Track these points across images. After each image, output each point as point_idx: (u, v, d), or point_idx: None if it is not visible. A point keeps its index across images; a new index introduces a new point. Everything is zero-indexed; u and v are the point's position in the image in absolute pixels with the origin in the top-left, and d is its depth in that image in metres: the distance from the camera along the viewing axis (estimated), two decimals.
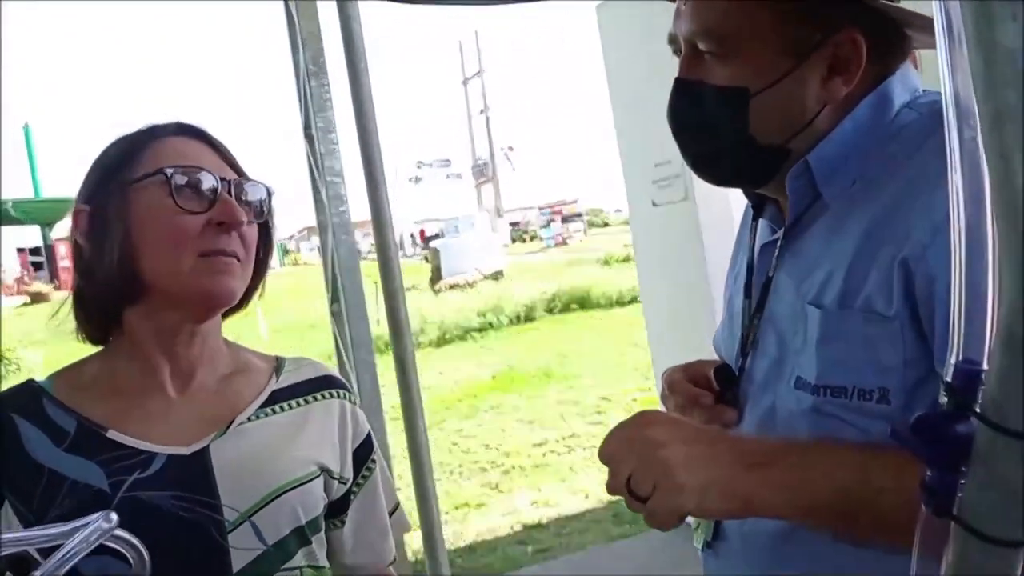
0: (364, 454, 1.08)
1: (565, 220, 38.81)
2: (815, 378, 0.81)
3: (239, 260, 0.93)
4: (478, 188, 44.97)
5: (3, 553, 0.64)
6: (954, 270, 0.51)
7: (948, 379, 0.52)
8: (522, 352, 10.34)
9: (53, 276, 28.40)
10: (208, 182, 0.92)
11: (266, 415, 0.99)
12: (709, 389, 0.95)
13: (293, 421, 1.01)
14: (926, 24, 0.83)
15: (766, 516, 0.77)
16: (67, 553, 0.66)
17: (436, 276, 17.76)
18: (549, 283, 13.82)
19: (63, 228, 27.27)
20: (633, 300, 12.22)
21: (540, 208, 46.29)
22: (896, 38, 0.87)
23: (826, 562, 0.82)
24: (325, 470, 1.00)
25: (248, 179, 0.97)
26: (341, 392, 1.08)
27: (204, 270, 0.91)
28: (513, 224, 43.67)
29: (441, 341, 11.54)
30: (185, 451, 0.92)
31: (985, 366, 0.50)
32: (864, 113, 0.86)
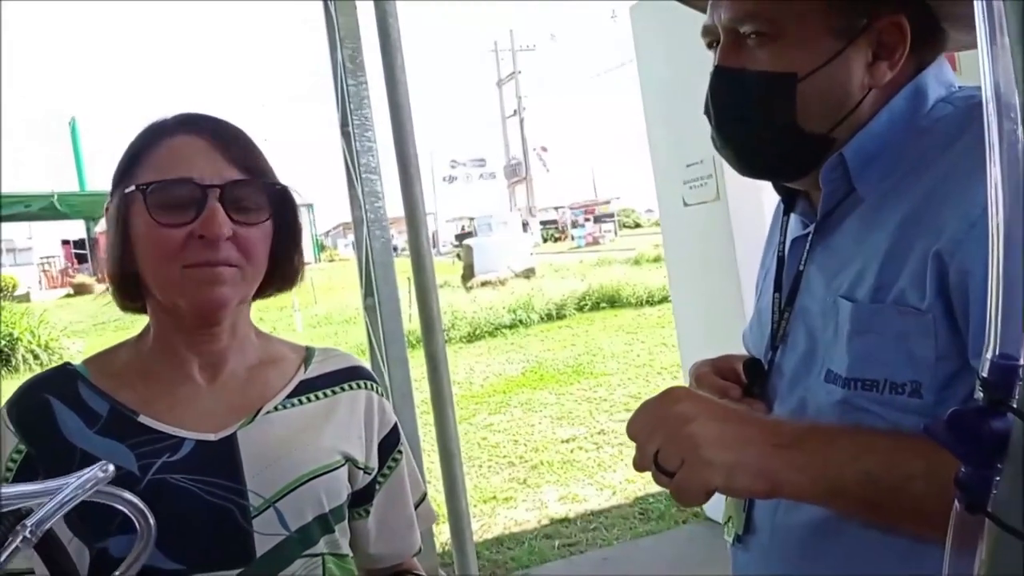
0: (390, 445, 1.09)
1: (597, 220, 38.68)
2: (846, 371, 0.80)
3: (234, 266, 0.93)
4: (511, 188, 44.99)
5: (4, 509, 0.66)
6: (991, 264, 0.51)
7: (984, 374, 0.52)
8: (552, 349, 10.34)
9: (96, 268, 28.90)
10: (189, 194, 0.90)
11: (293, 405, 1.01)
12: (737, 383, 0.95)
13: (320, 411, 1.03)
14: (965, 18, 0.82)
15: (792, 498, 0.77)
16: (64, 498, 0.68)
17: (468, 273, 17.81)
18: (580, 282, 13.79)
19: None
20: (663, 300, 12.16)
21: (572, 208, 46.18)
22: (935, 30, 0.86)
23: (858, 557, 0.81)
24: (350, 459, 1.02)
25: (250, 178, 0.94)
26: (368, 383, 1.09)
27: (189, 282, 0.91)
28: (544, 223, 43.64)
29: (472, 337, 11.58)
30: (212, 437, 0.94)
31: (1022, 361, 0.50)
32: (900, 105, 0.85)
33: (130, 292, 0.96)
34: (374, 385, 1.10)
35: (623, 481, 5.36)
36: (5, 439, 0.91)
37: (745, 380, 0.94)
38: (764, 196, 3.64)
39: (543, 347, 10.59)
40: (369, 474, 1.06)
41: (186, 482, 0.91)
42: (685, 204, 3.97)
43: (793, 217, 0.96)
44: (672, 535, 4.33)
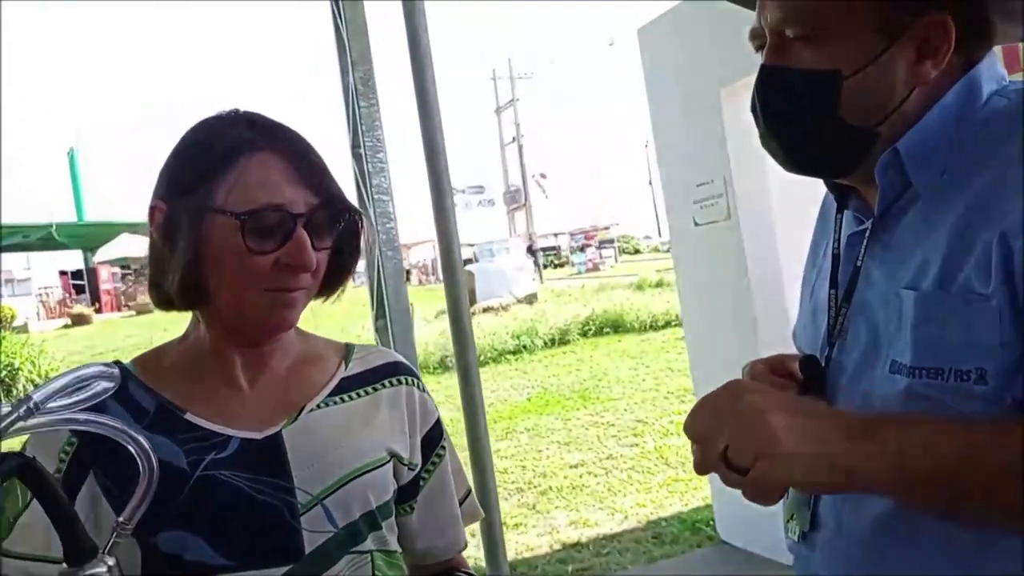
0: (433, 441, 1.09)
1: (599, 246, 38.76)
2: (911, 360, 0.80)
3: (305, 288, 0.95)
4: (510, 214, 45.13)
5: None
6: None
7: None
8: (557, 375, 10.32)
9: (94, 299, 28.90)
10: (278, 221, 0.91)
11: (336, 402, 1.02)
12: (792, 381, 0.95)
13: (362, 408, 1.03)
14: (1015, 11, 0.83)
15: (867, 490, 0.76)
16: (67, 383, 0.72)
17: (471, 299, 17.83)
18: (583, 307, 13.79)
19: (105, 252, 27.78)
20: (667, 324, 12.16)
21: (572, 234, 46.30)
22: (982, 26, 0.87)
23: (925, 553, 0.81)
24: (395, 456, 1.02)
25: (330, 203, 0.95)
26: (409, 379, 1.09)
27: (267, 305, 0.93)
28: (544, 250, 43.72)
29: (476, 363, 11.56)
30: (258, 435, 0.95)
31: None
32: (952, 100, 0.86)
33: (189, 300, 0.95)
34: (415, 381, 1.10)
35: (634, 505, 5.33)
36: (58, 431, 0.91)
37: (802, 377, 0.94)
38: (775, 216, 3.67)
39: (548, 373, 10.57)
40: (413, 470, 1.06)
41: (235, 479, 0.92)
42: (696, 224, 3.99)
43: (847, 214, 0.97)
44: (687, 558, 4.30)
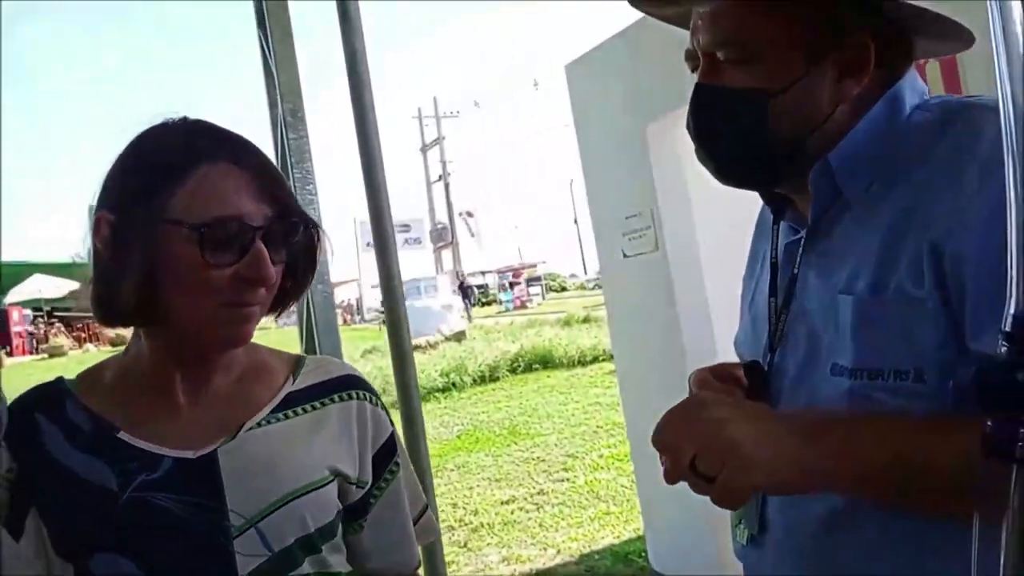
0: (386, 457, 1.06)
1: (528, 283, 38.99)
2: (852, 363, 0.84)
3: (261, 303, 0.93)
4: (437, 253, 45.13)
5: None
6: (1010, 229, 0.55)
7: (1007, 328, 0.55)
8: (487, 411, 10.27)
9: (5, 342, 27.59)
10: (237, 232, 0.88)
11: (279, 419, 0.98)
12: (736, 386, 0.98)
13: (306, 425, 1.00)
14: (934, 29, 0.89)
15: (826, 489, 0.79)
16: None
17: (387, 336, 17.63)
18: (512, 343, 13.81)
19: (16, 294, 26.62)
20: (594, 359, 12.26)
21: (499, 272, 46.51)
22: (901, 44, 0.93)
23: (871, 547, 0.84)
24: (339, 475, 0.99)
25: (287, 215, 0.93)
26: (362, 393, 1.06)
27: (225, 319, 0.91)
28: (472, 288, 43.77)
29: None
30: (192, 455, 0.92)
31: None
32: (878, 114, 0.91)
33: (144, 316, 0.92)
34: (367, 395, 1.07)
35: (566, 540, 5.31)
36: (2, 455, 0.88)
37: (747, 383, 0.97)
38: (701, 245, 3.77)
39: (477, 410, 10.50)
40: (362, 488, 1.03)
41: (165, 500, 0.89)
42: (625, 256, 4.06)
43: (783, 224, 1.01)
44: None
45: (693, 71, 0.98)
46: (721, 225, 3.59)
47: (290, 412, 1.00)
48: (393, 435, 1.09)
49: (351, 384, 1.06)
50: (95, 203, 0.93)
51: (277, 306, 1.00)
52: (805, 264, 0.95)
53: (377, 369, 12.68)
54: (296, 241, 0.94)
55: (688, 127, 0.98)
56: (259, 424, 0.97)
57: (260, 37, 3.77)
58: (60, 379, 0.98)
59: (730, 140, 0.95)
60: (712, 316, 3.65)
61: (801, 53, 0.90)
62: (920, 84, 0.95)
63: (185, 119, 0.94)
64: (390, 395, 12.41)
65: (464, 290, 33.04)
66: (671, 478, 0.78)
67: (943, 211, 0.80)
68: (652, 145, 3.82)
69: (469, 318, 27.29)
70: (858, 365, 0.83)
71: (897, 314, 0.81)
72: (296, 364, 1.05)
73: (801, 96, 0.90)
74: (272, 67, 3.73)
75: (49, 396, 0.96)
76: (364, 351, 15.97)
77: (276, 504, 0.93)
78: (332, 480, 0.98)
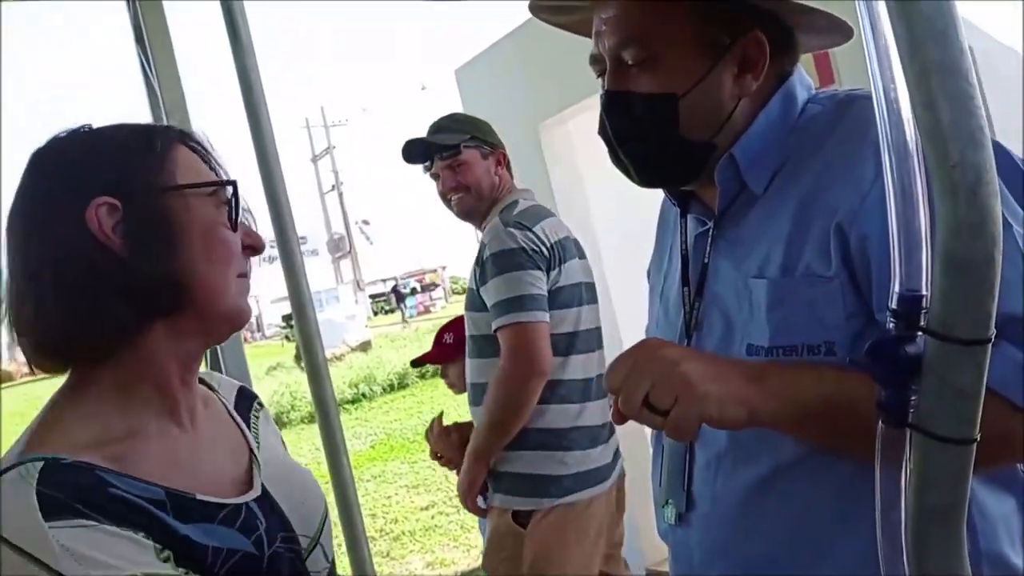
0: None
1: (425, 288, 38.86)
2: (768, 342, 0.90)
3: None
4: (336, 263, 44.46)
5: None
6: (891, 215, 0.60)
7: (894, 306, 0.61)
8: (399, 419, 10.20)
9: None
10: (240, 203, 0.86)
11: (257, 438, 0.95)
12: None
13: (272, 434, 1.00)
14: (814, 27, 0.96)
15: (767, 425, 0.84)
16: None
17: (301, 352, 17.30)
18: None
19: None
20: None
21: (400, 278, 46.17)
22: (790, 40, 0.99)
23: (793, 516, 0.90)
24: None
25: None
26: (258, 400, 1.05)
27: (240, 292, 0.86)
28: (373, 296, 43.32)
29: (314, 417, 11.21)
30: (255, 494, 0.86)
31: (924, 291, 0.60)
32: (775, 109, 0.97)
33: (170, 302, 0.81)
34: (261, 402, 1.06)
35: None
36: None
37: None
38: (600, 241, 3.85)
39: (390, 418, 10.43)
40: None
41: (281, 548, 0.83)
42: None
43: (690, 217, 1.06)
44: None
45: (599, 75, 1.01)
46: (620, 220, 3.68)
47: (253, 429, 0.97)
48: None
49: (251, 394, 1.05)
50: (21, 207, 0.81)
51: None
52: (715, 253, 1.00)
53: (283, 385, 12.44)
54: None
55: (601, 133, 1.01)
56: (257, 446, 0.93)
57: (139, 53, 3.65)
58: (67, 463, 0.72)
59: (643, 144, 0.99)
60: (616, 310, 3.74)
61: (702, 51, 0.94)
62: (807, 79, 1.02)
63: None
64: (299, 410, 12.06)
65: (398, 293, 32.61)
66: (625, 413, 0.82)
67: (845, 195, 0.86)
68: (546, 145, 3.88)
69: (405, 321, 26.92)
70: (773, 343, 0.89)
71: (806, 293, 0.88)
72: (209, 384, 0.98)
73: (707, 94, 0.95)
74: (154, 82, 3.61)
75: (86, 486, 0.71)
76: (269, 368, 15.58)
77: (325, 513, 0.94)
78: None
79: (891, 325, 0.61)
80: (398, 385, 12.31)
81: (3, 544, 0.66)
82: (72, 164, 0.82)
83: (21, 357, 0.83)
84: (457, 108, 4.53)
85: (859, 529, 0.76)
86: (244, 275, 0.87)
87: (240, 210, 0.86)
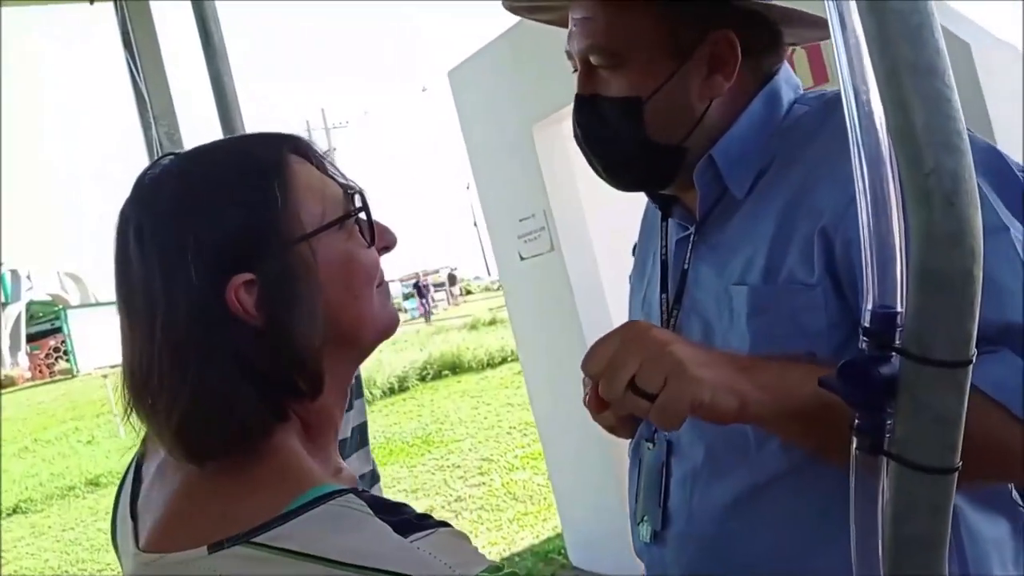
0: None
1: (428, 289, 38.82)
2: (748, 349, 0.86)
3: None
4: None
5: None
6: (863, 226, 0.56)
7: (866, 324, 0.57)
8: (399, 422, 10.16)
9: None
10: (361, 206, 0.77)
11: None
12: None
13: None
14: (797, 17, 0.92)
15: (756, 419, 0.79)
16: None
17: None
18: (419, 352, 13.71)
19: None
20: (503, 361, 12.30)
21: (402, 280, 46.13)
22: (768, 35, 0.95)
23: (769, 534, 0.86)
24: None
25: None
26: None
27: (383, 301, 0.78)
28: (428, 286, 43.25)
29: None
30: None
31: (899, 308, 0.55)
32: (757, 109, 0.94)
33: (310, 377, 0.72)
34: None
35: (486, 544, 5.29)
36: None
37: None
38: (594, 242, 3.82)
39: (389, 421, 10.38)
40: None
41: None
42: (522, 258, 4.07)
43: (671, 222, 1.02)
44: None
45: (575, 71, 0.99)
46: (613, 220, 3.64)
47: None
48: None
49: None
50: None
51: None
52: (696, 258, 0.97)
53: None
54: None
55: (575, 137, 0.99)
56: None
57: (127, 59, 3.62)
58: (347, 492, 0.66)
59: (613, 149, 0.96)
60: (610, 311, 3.71)
61: (668, 52, 0.91)
62: (795, 79, 0.98)
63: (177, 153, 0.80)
64: None
65: (419, 289, 32.50)
66: (607, 397, 0.76)
67: (831, 200, 0.82)
68: (540, 146, 3.84)
69: (427, 319, 26.79)
70: (754, 351, 0.85)
71: (788, 301, 0.84)
72: None
73: (673, 96, 0.92)
74: (143, 90, 3.58)
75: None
76: None
77: None
78: None
79: (864, 345, 0.57)
80: (398, 388, 12.26)
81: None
82: (194, 235, 0.69)
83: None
84: (453, 110, 4.50)
85: (837, 551, 0.72)
86: (381, 281, 0.78)
87: (368, 211, 0.77)
